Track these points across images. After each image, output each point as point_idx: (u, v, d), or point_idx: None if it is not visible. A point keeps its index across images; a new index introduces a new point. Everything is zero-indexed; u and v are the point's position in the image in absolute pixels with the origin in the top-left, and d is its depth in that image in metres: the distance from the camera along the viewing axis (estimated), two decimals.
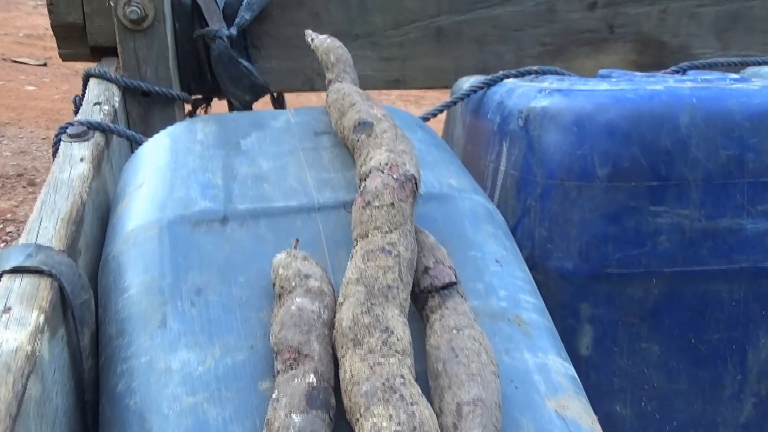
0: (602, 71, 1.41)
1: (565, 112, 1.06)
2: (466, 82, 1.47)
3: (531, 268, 1.09)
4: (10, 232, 3.47)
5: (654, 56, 1.70)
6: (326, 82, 1.12)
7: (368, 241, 0.82)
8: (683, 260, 1.05)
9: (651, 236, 1.04)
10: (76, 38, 1.50)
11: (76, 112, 1.44)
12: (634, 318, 1.07)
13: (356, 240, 0.84)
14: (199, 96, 1.62)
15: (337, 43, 1.16)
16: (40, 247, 0.84)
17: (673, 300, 1.07)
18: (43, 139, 4.42)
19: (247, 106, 1.57)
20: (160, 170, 1.02)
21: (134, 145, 1.23)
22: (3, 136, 4.64)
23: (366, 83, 1.63)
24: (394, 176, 0.86)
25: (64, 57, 1.55)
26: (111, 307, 0.88)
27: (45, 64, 5.40)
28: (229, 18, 1.50)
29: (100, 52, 1.53)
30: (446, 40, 1.63)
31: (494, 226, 0.99)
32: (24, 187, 3.93)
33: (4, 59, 5.58)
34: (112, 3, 1.36)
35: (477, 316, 0.86)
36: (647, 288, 1.06)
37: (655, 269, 1.05)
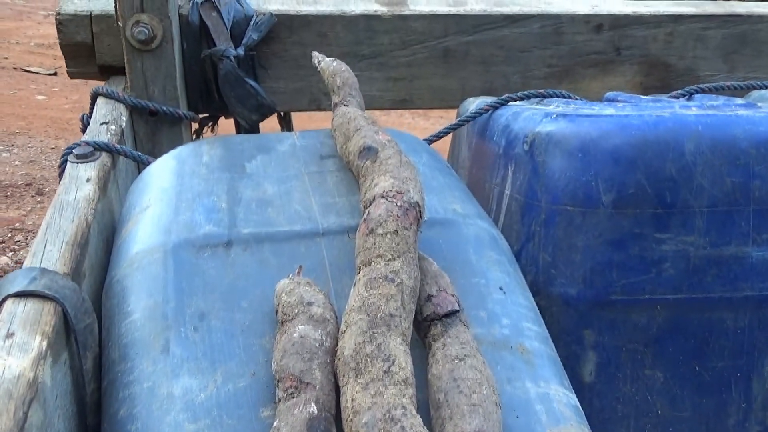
0: (608, 94, 1.42)
1: (571, 137, 1.06)
2: (472, 104, 1.47)
3: (535, 294, 1.09)
4: (18, 241, 3.49)
5: (660, 78, 1.70)
6: (332, 105, 1.13)
7: (371, 268, 0.82)
8: (688, 287, 1.05)
9: (655, 263, 1.04)
10: (84, 57, 1.51)
11: (83, 131, 1.45)
12: (638, 345, 1.06)
13: (359, 267, 0.84)
14: (206, 114, 1.63)
15: (343, 66, 1.17)
16: (44, 271, 0.84)
17: (677, 327, 1.06)
18: (52, 148, 4.44)
19: (254, 126, 1.58)
20: (165, 193, 1.03)
21: (141, 165, 1.23)
22: (12, 145, 4.66)
23: (373, 103, 1.64)
24: (398, 203, 0.86)
25: (73, 75, 1.56)
26: (114, 331, 0.88)
27: (55, 74, 5.43)
28: (236, 38, 1.50)
29: (109, 70, 1.54)
30: (453, 61, 1.63)
31: (498, 252, 0.99)
32: (32, 196, 3.94)
33: (15, 68, 5.62)
34: (120, 24, 1.37)
35: (480, 344, 0.86)
36: (651, 315, 1.05)
37: (660, 296, 1.05)
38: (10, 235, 3.50)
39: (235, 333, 0.85)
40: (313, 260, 0.94)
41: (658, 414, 1.08)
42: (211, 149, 1.10)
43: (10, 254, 3.26)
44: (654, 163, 1.02)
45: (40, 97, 5.12)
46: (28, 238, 3.63)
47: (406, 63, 1.62)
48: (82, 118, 1.49)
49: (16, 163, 4.42)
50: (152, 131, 1.45)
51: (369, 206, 0.89)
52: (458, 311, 0.84)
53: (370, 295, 0.79)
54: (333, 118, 1.10)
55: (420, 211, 0.88)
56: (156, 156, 1.48)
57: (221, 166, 1.06)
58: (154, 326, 0.85)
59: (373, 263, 0.83)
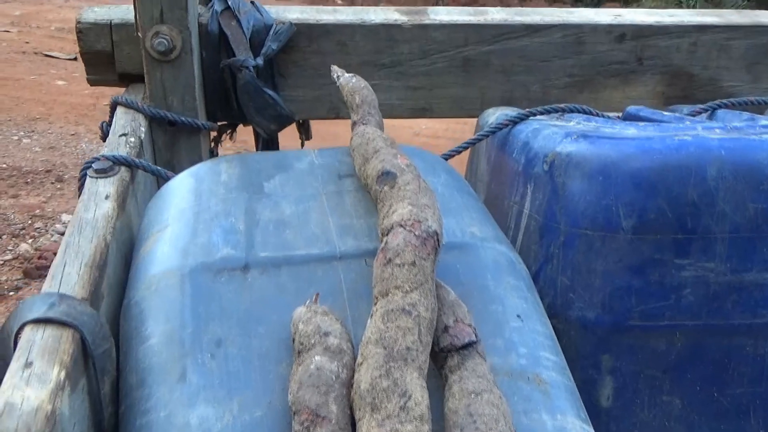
0: (630, 109, 1.40)
1: (591, 160, 1.05)
2: (492, 116, 1.46)
3: (552, 317, 1.09)
4: (38, 228, 3.51)
5: (683, 88, 1.68)
6: (351, 123, 1.12)
7: (388, 300, 0.82)
8: (707, 314, 1.04)
9: (675, 289, 1.03)
10: (104, 65, 1.52)
11: (103, 139, 1.46)
12: (656, 371, 1.05)
13: (377, 297, 0.84)
14: (225, 122, 1.63)
15: (362, 83, 1.16)
16: (62, 297, 0.85)
17: (696, 353, 1.05)
18: (72, 135, 4.46)
19: (273, 135, 1.58)
20: (183, 213, 1.03)
21: (160, 179, 1.23)
22: (33, 131, 4.69)
23: (392, 112, 1.63)
24: (416, 233, 0.86)
25: (93, 83, 1.57)
26: (132, 355, 0.89)
27: (75, 58, 5.44)
28: (255, 47, 1.50)
29: (128, 78, 1.54)
30: (473, 70, 1.62)
31: (516, 277, 0.99)
32: (52, 183, 3.96)
33: (35, 53, 5.65)
34: (140, 34, 1.37)
35: (496, 374, 0.86)
36: (670, 341, 1.05)
37: (679, 322, 1.04)
38: (30, 221, 3.52)
39: (251, 360, 0.85)
40: (330, 285, 0.94)
41: None
42: (229, 167, 1.10)
43: (30, 241, 3.29)
44: (675, 188, 1.01)
45: (60, 83, 5.15)
46: (48, 225, 3.65)
47: (425, 72, 1.61)
48: (102, 126, 1.49)
49: (37, 149, 4.45)
50: (171, 141, 1.45)
51: (387, 234, 0.88)
52: (475, 342, 0.84)
53: (387, 328, 0.79)
54: (352, 138, 1.09)
55: (438, 240, 0.88)
56: (174, 166, 1.48)
57: (239, 186, 1.06)
58: (172, 352, 0.86)
59: (390, 294, 0.83)
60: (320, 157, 1.14)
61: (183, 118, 1.41)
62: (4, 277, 3.00)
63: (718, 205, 1.01)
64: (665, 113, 1.31)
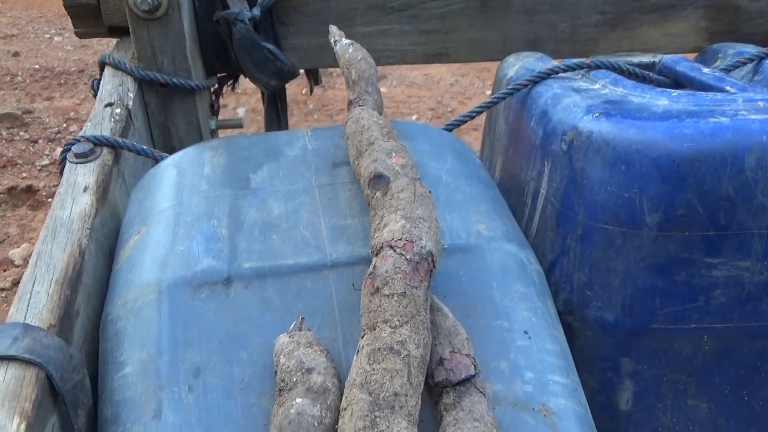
0: (666, 60, 1.26)
1: (614, 145, 0.93)
2: (512, 68, 1.33)
3: (567, 313, 1.00)
4: (74, 131, 3.49)
5: (728, 23, 1.51)
6: (347, 102, 1.01)
7: (375, 336, 0.74)
8: (740, 316, 0.94)
9: (704, 290, 0.93)
10: (91, 18, 1.40)
11: (95, 96, 1.36)
12: (680, 374, 0.97)
13: (364, 330, 0.76)
14: (224, 74, 1.52)
15: (360, 53, 1.04)
16: (27, 329, 0.78)
17: (725, 356, 0.96)
18: None
19: (274, 90, 1.47)
20: (163, 214, 0.95)
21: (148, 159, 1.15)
22: (64, 28, 4.61)
23: (405, 58, 1.51)
24: (407, 257, 0.77)
25: (81, 35, 1.46)
26: (108, 384, 0.83)
27: None
28: None
29: (119, 31, 1.43)
30: (492, 11, 1.47)
31: (525, 283, 0.90)
32: (85, 83, 3.92)
33: None
34: None
35: (498, 404, 0.79)
36: (697, 344, 0.95)
37: (707, 325, 0.94)
38: (65, 125, 3.49)
39: (232, 392, 0.79)
40: (319, 299, 0.86)
41: None
42: (214, 156, 1.01)
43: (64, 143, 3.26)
44: (708, 180, 0.89)
45: None
46: (82, 128, 3.61)
47: (439, 15, 1.47)
48: (92, 84, 1.40)
49: (68, 47, 4.38)
50: (164, 102, 1.35)
51: (376, 254, 0.79)
52: (474, 376, 0.76)
53: (374, 370, 0.71)
54: (347, 121, 0.99)
55: (434, 260, 0.79)
56: (170, 128, 1.39)
57: (224, 180, 0.97)
58: (147, 385, 0.80)
59: (377, 329, 0.75)
60: (314, 139, 1.03)
61: (175, 80, 1.31)
62: (42, 183, 2.98)
63: (757, 199, 0.90)
64: (705, 70, 1.17)
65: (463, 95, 3.74)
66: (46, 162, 3.17)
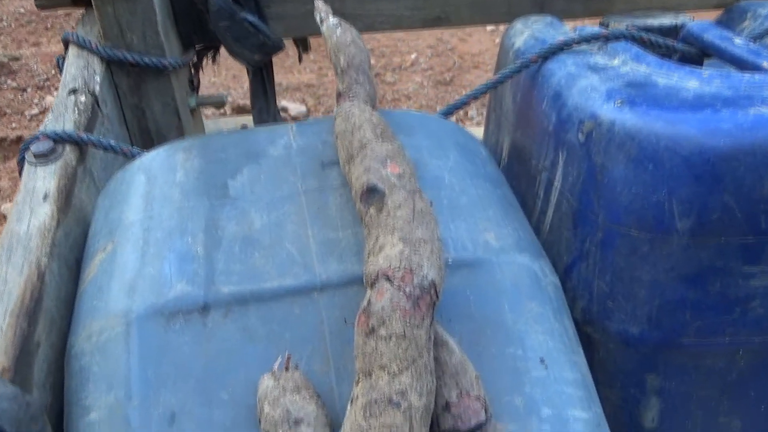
0: (692, 27, 1.13)
1: (639, 140, 0.82)
2: (519, 37, 1.20)
3: (587, 323, 0.90)
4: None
5: None
6: (336, 94, 0.90)
7: (371, 385, 0.64)
8: None
9: (741, 301, 0.83)
10: None
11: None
12: (712, 390, 0.88)
13: (358, 375, 0.66)
14: (202, 45, 1.39)
15: (349, 36, 0.92)
16: None
17: (762, 371, 0.87)
18: None
19: (258, 65, 1.34)
20: (131, 228, 0.84)
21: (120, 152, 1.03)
22: None
23: (402, 23, 1.38)
24: (407, 290, 0.66)
25: (42, 7, 1.32)
26: (73, 428, 0.74)
27: None
28: None
29: (84, 1, 1.29)
30: None
31: (541, 301, 0.79)
32: (73, 27, 3.77)
33: None
34: None
35: None
36: (731, 359, 0.86)
37: (744, 338, 0.85)
38: (53, 72, 3.36)
39: None
40: (308, 326, 0.76)
41: None
42: (187, 159, 0.89)
43: (55, 93, 3.14)
44: (747, 179, 0.78)
45: None
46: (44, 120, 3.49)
47: None
48: (58, 61, 1.27)
49: None
50: (136, 83, 1.23)
51: (371, 284, 0.69)
52: (484, 423, 0.67)
53: (370, 426, 0.62)
54: (335, 117, 0.87)
55: (437, 292, 0.68)
56: (144, 110, 1.27)
57: (198, 188, 0.86)
58: None
59: (374, 376, 0.65)
60: (299, 136, 0.92)
61: (146, 59, 1.18)
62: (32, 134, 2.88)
63: None
64: (737, 41, 1.04)
65: (463, 31, 3.59)
66: (35, 111, 3.05)
